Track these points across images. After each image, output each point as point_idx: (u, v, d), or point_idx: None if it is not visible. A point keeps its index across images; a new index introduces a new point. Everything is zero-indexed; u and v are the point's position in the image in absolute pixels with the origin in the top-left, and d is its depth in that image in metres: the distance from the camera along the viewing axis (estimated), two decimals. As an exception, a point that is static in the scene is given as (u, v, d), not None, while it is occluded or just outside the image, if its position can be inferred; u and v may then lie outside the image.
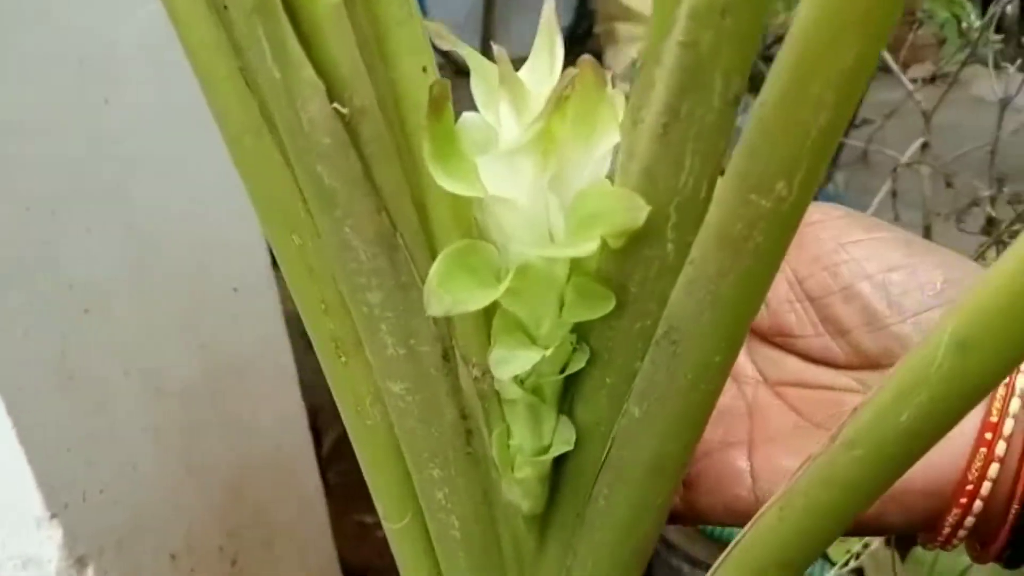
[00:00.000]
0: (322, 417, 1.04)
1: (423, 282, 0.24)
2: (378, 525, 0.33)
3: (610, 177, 0.23)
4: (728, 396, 0.36)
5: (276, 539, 0.75)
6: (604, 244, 0.22)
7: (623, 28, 2.93)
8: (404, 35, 0.21)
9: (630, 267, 0.23)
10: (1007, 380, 0.29)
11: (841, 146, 1.28)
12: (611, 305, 0.23)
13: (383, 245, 0.23)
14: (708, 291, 0.22)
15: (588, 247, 0.21)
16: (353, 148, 0.21)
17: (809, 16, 0.17)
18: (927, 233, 0.90)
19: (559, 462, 0.27)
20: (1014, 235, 0.77)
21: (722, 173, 0.21)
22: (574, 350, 0.25)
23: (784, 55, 0.18)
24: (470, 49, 0.24)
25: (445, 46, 0.24)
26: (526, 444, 0.27)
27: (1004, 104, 0.78)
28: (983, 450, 0.29)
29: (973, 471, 0.29)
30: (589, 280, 0.23)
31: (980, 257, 0.72)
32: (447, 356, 0.26)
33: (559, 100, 0.20)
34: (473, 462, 0.28)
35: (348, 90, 0.21)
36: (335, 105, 0.20)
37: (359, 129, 0.21)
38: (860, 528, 0.31)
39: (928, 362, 0.19)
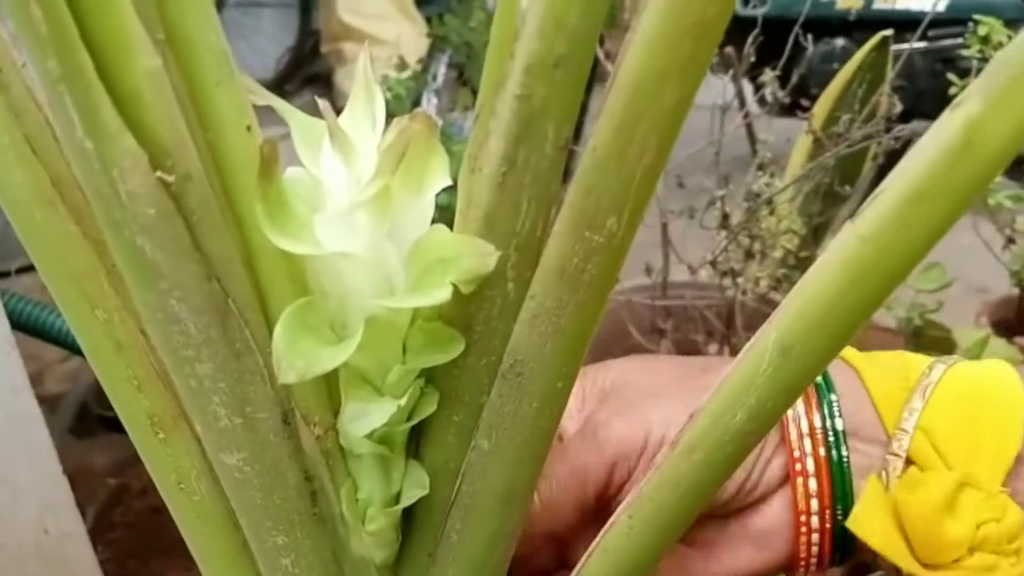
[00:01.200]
0: (80, 489, 0.95)
1: (258, 347, 0.23)
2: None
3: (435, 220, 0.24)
4: None
5: (52, 632, 0.67)
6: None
7: (349, 47, 2.93)
8: (223, 96, 0.20)
9: (474, 308, 0.23)
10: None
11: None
12: (461, 346, 0.23)
13: (214, 314, 0.22)
14: (550, 323, 0.23)
15: (441, 294, 0.21)
16: (179, 217, 0.20)
17: (633, 64, 0.19)
18: (664, 231, 0.99)
19: (408, 507, 0.27)
20: (746, 230, 0.87)
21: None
22: (422, 395, 0.25)
23: (611, 101, 0.20)
24: (287, 105, 0.23)
25: (260, 102, 0.23)
26: (376, 495, 0.26)
27: (724, 109, 0.88)
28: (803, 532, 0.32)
29: (801, 553, 0.33)
30: (435, 324, 0.23)
31: (723, 251, 0.81)
32: (287, 419, 0.25)
33: (398, 158, 0.20)
34: (319, 522, 0.27)
35: (171, 158, 0.19)
36: (159, 174, 0.19)
37: (185, 197, 0.20)
38: None
39: (756, 367, 0.22)
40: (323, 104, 0.21)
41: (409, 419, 0.25)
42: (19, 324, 0.77)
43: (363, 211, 0.21)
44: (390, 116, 0.22)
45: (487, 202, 0.22)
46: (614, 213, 0.21)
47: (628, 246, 0.22)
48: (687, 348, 1.09)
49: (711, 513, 0.33)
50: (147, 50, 0.18)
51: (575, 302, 0.23)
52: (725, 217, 0.81)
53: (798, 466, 0.32)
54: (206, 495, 0.28)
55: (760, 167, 0.89)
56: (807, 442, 0.32)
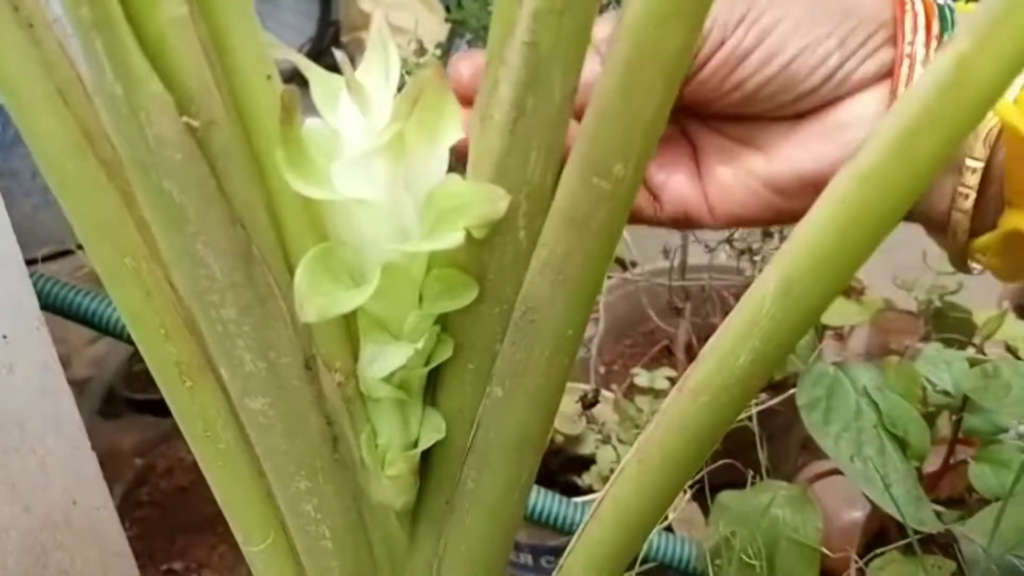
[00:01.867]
0: (108, 468, 0.97)
1: (281, 293, 0.24)
2: (187, 571, 0.32)
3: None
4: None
5: (82, 602, 0.69)
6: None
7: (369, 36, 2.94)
8: (245, 45, 0.21)
9: (487, 255, 0.24)
10: None
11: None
12: (474, 293, 0.24)
13: (239, 258, 0.23)
14: (560, 271, 0.24)
15: (454, 238, 0.22)
16: (205, 162, 0.21)
17: (636, 9, 0.20)
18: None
19: (426, 454, 0.28)
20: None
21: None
22: (437, 341, 0.26)
23: (618, 47, 0.20)
24: (305, 59, 0.24)
25: (279, 55, 0.24)
26: (395, 440, 0.27)
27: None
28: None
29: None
30: (450, 271, 0.24)
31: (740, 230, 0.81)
32: (309, 365, 0.26)
33: (411, 104, 0.21)
34: (341, 468, 0.28)
35: (196, 103, 0.20)
36: (186, 119, 0.20)
37: (210, 142, 0.21)
38: (793, 220, 0.31)
39: (758, 309, 0.22)
40: (340, 56, 0.22)
41: (426, 364, 0.26)
42: (49, 305, 0.79)
43: (379, 157, 0.22)
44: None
45: (498, 150, 0.22)
46: (620, 159, 0.22)
47: (635, 193, 0.23)
48: (706, 330, 1.09)
49: (778, 115, 0.33)
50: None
51: (583, 249, 0.24)
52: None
53: (906, 57, 0.31)
54: (231, 443, 0.29)
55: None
56: (920, 35, 0.31)
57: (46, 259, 1.63)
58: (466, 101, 0.32)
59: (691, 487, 0.74)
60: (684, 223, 0.36)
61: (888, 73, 0.32)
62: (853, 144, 0.30)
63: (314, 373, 0.26)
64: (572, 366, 0.27)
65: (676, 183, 0.36)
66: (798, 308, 0.22)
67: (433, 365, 0.26)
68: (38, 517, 0.63)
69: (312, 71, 0.24)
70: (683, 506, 0.73)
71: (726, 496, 0.71)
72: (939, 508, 0.67)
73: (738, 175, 0.34)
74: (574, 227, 0.23)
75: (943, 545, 0.63)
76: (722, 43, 0.32)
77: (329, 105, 0.24)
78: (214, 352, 0.26)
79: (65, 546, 0.66)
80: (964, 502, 0.71)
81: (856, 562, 0.65)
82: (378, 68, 0.24)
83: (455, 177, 0.23)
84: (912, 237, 0.35)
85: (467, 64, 0.32)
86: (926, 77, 0.19)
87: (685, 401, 0.25)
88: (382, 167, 0.22)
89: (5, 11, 0.22)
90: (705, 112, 0.36)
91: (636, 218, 0.37)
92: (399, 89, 0.23)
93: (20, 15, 0.22)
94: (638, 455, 0.26)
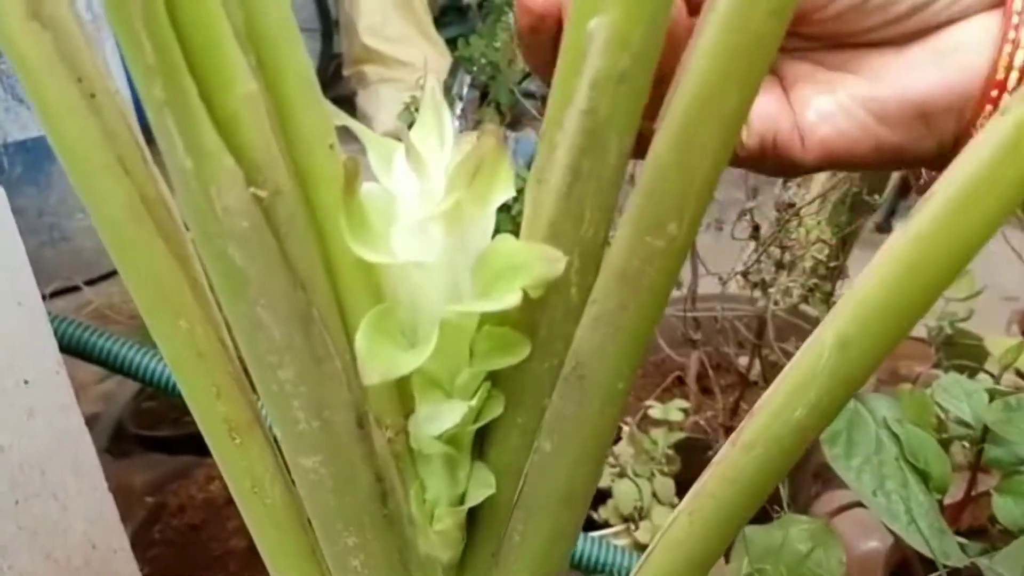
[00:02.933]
0: (119, 507, 0.97)
1: (337, 353, 0.25)
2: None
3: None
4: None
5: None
6: (512, 294, 0.24)
7: (371, 70, 2.98)
8: (309, 116, 0.22)
9: (539, 312, 0.24)
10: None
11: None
12: (527, 350, 0.24)
13: (298, 321, 0.23)
14: (611, 325, 0.24)
15: (511, 299, 0.22)
16: (269, 229, 0.21)
17: (695, 73, 0.20)
18: (692, 243, 0.99)
19: (473, 507, 0.28)
20: (777, 241, 0.87)
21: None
22: (488, 396, 0.26)
23: (674, 108, 0.21)
24: (362, 127, 0.25)
25: (338, 122, 0.24)
26: (443, 495, 0.28)
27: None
28: (1006, 52, 0.29)
29: (998, 74, 0.29)
30: (502, 329, 0.25)
31: (755, 263, 0.81)
32: (361, 422, 0.26)
33: (471, 174, 0.21)
34: (389, 523, 0.28)
35: (263, 174, 0.21)
36: (253, 190, 0.20)
37: (275, 210, 0.21)
38: (897, 160, 0.31)
39: (815, 363, 0.23)
40: (398, 125, 0.22)
41: (476, 420, 0.26)
42: (65, 346, 0.79)
43: (435, 224, 0.23)
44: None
45: (552, 211, 0.23)
46: (675, 218, 0.22)
47: (687, 249, 0.23)
48: (717, 360, 1.09)
49: (879, 39, 0.30)
50: (245, 76, 0.19)
51: (636, 304, 0.24)
52: (755, 228, 0.82)
53: None
54: (278, 498, 0.29)
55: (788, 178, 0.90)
56: None
57: (53, 295, 1.63)
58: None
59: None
60: (772, 154, 0.32)
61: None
62: (967, 68, 0.29)
63: (366, 431, 0.26)
64: (621, 417, 0.27)
65: (764, 109, 0.32)
66: (855, 363, 0.22)
67: (484, 422, 0.26)
68: (59, 563, 0.63)
69: (367, 136, 0.25)
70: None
71: (750, 531, 0.71)
72: (962, 540, 0.67)
73: (835, 99, 0.31)
74: (626, 283, 0.24)
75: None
76: None
77: (384, 168, 0.24)
78: (269, 411, 0.26)
79: (87, 592, 0.65)
80: (987, 533, 0.70)
81: (882, 597, 0.64)
82: (432, 133, 0.25)
83: (509, 237, 0.24)
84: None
85: None
86: (981, 143, 0.19)
87: (738, 454, 0.25)
88: (438, 232, 0.23)
89: (68, 82, 0.23)
90: (796, 44, 0.32)
91: None
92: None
93: (83, 86, 0.23)
94: (689, 507, 0.26)
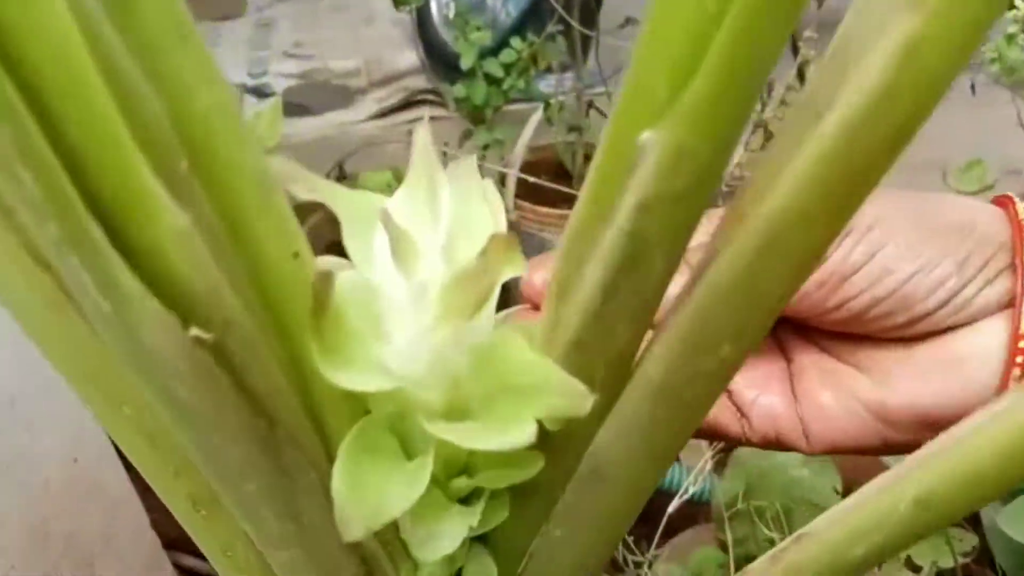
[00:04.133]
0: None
1: (313, 464, 0.21)
2: None
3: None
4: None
5: None
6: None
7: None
8: (265, 223, 0.16)
9: (555, 425, 0.20)
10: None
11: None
12: (539, 465, 0.20)
13: (259, 444, 0.19)
14: (641, 438, 0.21)
15: (524, 434, 0.18)
16: (218, 365, 0.17)
17: (778, 204, 0.15)
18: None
19: None
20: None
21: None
22: (491, 498, 0.22)
23: (745, 238, 0.16)
24: (332, 185, 0.20)
25: (303, 194, 0.19)
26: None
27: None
28: (1018, 361, 0.28)
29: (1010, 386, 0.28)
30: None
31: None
32: (343, 520, 0.22)
33: (476, 302, 0.17)
34: (376, 597, 0.26)
35: (206, 310, 0.16)
36: (194, 332, 0.16)
37: (225, 343, 0.17)
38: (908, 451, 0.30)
39: (889, 512, 0.19)
40: (383, 213, 0.17)
41: (479, 525, 0.22)
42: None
43: (433, 335, 0.18)
44: None
45: (578, 326, 0.18)
46: (731, 341, 0.18)
47: (740, 366, 0.19)
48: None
49: (887, 337, 0.30)
50: (169, 209, 0.14)
51: (671, 419, 0.20)
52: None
53: None
54: (254, 562, 0.26)
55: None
56: None
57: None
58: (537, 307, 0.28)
59: (713, 451, 0.73)
60: (775, 446, 0.32)
61: (1010, 303, 0.28)
62: (977, 381, 0.28)
63: (349, 527, 0.23)
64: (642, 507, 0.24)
65: (768, 403, 0.32)
66: (933, 520, 0.19)
67: (486, 529, 0.22)
68: (40, 488, 0.61)
69: (339, 201, 0.20)
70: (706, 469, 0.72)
71: (744, 453, 0.70)
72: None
73: (840, 398, 0.30)
74: (664, 398, 0.19)
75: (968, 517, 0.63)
76: (826, 255, 0.28)
77: (361, 244, 0.19)
78: (233, 510, 0.22)
79: None
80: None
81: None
82: (423, 200, 0.19)
83: (519, 344, 0.19)
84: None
85: (541, 274, 0.28)
86: None
87: (779, 574, 0.22)
88: (437, 342, 0.18)
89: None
90: (805, 326, 0.32)
91: (721, 436, 0.33)
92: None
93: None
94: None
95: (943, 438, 0.18)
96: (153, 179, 0.14)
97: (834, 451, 0.30)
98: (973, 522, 0.61)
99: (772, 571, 0.22)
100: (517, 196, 1.08)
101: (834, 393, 0.30)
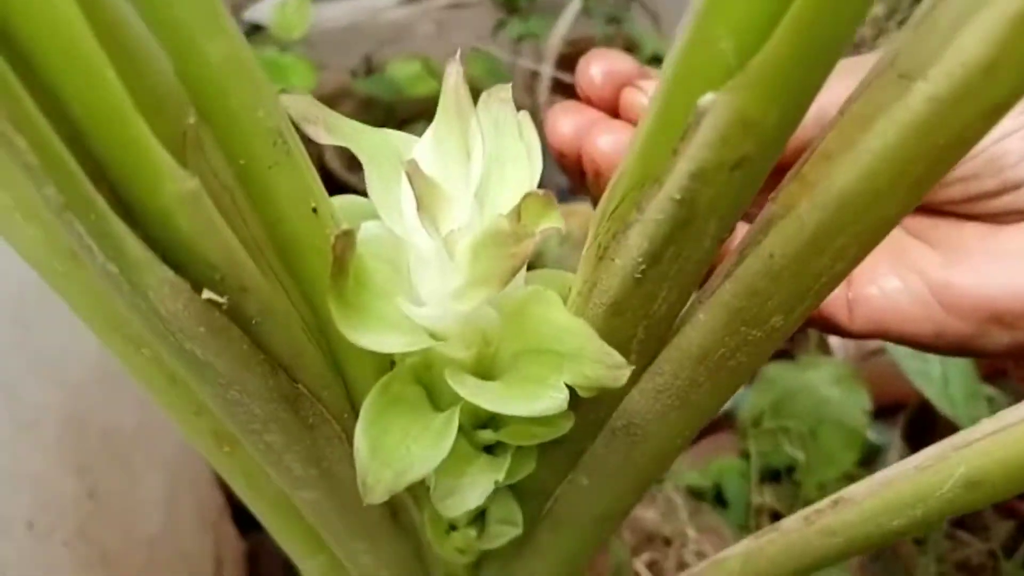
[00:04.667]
0: None
1: (335, 416, 0.20)
2: None
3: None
4: None
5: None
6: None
7: None
8: (280, 178, 0.15)
9: (587, 383, 0.19)
10: None
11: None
12: (569, 423, 0.20)
13: (281, 401, 0.18)
14: (678, 397, 0.20)
15: (555, 401, 0.17)
16: (235, 327, 0.16)
17: (849, 178, 0.14)
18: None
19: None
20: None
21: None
22: (517, 451, 0.21)
23: (808, 211, 0.14)
24: (358, 125, 0.18)
25: (322, 139, 0.17)
26: (461, 518, 0.24)
27: None
28: None
29: None
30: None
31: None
32: (367, 465, 0.22)
33: (511, 272, 0.15)
34: (400, 531, 0.26)
35: (219, 271, 0.15)
36: (207, 295, 0.15)
37: (242, 308, 0.16)
38: (959, 349, 0.26)
39: (934, 489, 0.18)
40: (410, 164, 0.16)
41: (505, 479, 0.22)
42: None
43: (460, 298, 0.17)
44: None
45: (617, 290, 0.17)
46: (782, 313, 0.17)
47: (792, 331, 0.18)
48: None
49: (970, 211, 0.25)
50: (174, 174, 0.13)
51: (712, 382, 0.19)
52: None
53: None
54: (279, 492, 0.26)
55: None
56: None
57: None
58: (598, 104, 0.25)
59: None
60: (815, 323, 0.28)
61: None
62: None
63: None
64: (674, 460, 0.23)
65: None
66: (977, 500, 0.18)
67: (512, 480, 0.22)
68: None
69: (365, 145, 0.18)
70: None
71: (773, 369, 0.69)
72: (990, 392, 0.65)
73: (902, 274, 0.25)
74: (705, 365, 0.18)
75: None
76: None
77: (387, 193, 0.18)
78: (258, 459, 0.22)
79: None
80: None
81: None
82: (453, 146, 0.18)
83: (555, 303, 0.18)
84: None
85: (569, 120, 0.25)
86: None
87: (812, 534, 0.21)
88: (463, 308, 0.17)
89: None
90: None
91: None
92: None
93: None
94: (748, 564, 0.23)
95: (998, 420, 0.17)
96: (156, 145, 0.12)
97: (877, 330, 0.26)
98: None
99: (806, 531, 0.21)
100: (552, 92, 1.04)
101: (895, 267, 0.26)
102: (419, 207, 0.17)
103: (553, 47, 0.96)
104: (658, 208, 0.15)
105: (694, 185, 0.14)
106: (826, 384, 0.66)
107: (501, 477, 0.20)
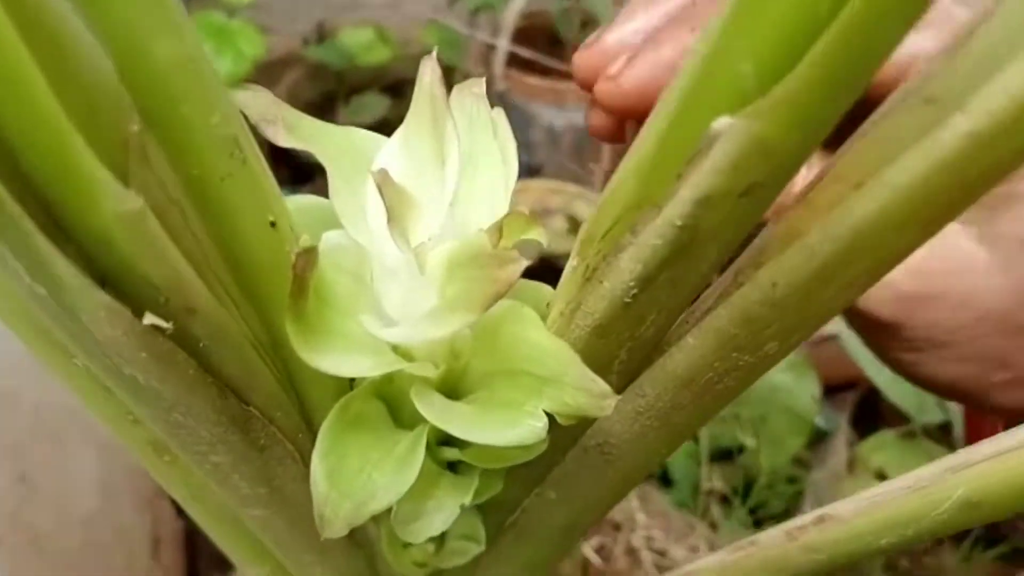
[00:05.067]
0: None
1: (288, 437, 0.19)
2: None
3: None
4: None
5: None
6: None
7: None
8: (234, 189, 0.13)
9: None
10: None
11: None
12: (541, 449, 0.18)
13: (229, 423, 0.17)
14: (658, 419, 0.19)
15: (531, 430, 0.16)
16: (181, 351, 0.14)
17: (867, 209, 0.12)
18: None
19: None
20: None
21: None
22: (483, 473, 0.20)
23: (824, 240, 0.13)
24: (322, 131, 0.16)
25: (280, 140, 0.16)
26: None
27: None
28: None
29: None
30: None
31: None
32: (322, 482, 0.21)
33: (489, 301, 0.14)
34: (353, 545, 0.24)
35: (163, 294, 0.13)
36: (149, 320, 0.13)
37: (189, 330, 0.14)
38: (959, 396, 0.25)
39: (929, 509, 0.17)
40: (380, 174, 0.14)
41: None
42: None
43: (431, 318, 0.15)
44: None
45: (604, 313, 0.16)
46: (778, 340, 0.16)
47: (785, 356, 0.17)
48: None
49: None
50: (113, 192, 0.11)
51: (696, 405, 0.18)
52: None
53: None
54: (224, 504, 0.25)
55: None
56: None
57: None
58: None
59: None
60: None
61: None
62: None
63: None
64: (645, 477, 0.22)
65: None
66: (973, 519, 0.17)
67: (478, 502, 0.20)
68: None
69: (323, 141, 0.16)
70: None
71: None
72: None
73: None
74: (691, 387, 0.17)
75: (942, 432, 0.63)
76: None
77: (350, 199, 0.16)
78: (204, 476, 0.20)
79: None
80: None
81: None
82: (425, 150, 0.16)
83: (536, 323, 0.17)
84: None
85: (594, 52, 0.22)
86: None
87: (794, 550, 0.20)
88: (436, 326, 0.16)
89: None
90: None
91: None
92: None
93: None
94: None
95: (996, 442, 0.16)
96: (92, 160, 0.11)
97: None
98: (947, 439, 0.62)
99: (788, 547, 0.21)
100: (507, 65, 1.02)
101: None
102: (389, 219, 0.15)
103: (510, 19, 0.94)
104: (656, 233, 0.13)
105: (698, 211, 0.13)
106: (778, 370, 0.67)
107: (468, 500, 0.19)
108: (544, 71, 1.05)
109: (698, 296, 0.17)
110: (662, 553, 0.55)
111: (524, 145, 1.06)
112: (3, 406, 0.63)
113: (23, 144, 0.10)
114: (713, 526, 0.63)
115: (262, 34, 0.85)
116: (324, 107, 1.12)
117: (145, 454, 0.23)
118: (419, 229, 0.16)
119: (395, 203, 0.15)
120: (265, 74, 1.07)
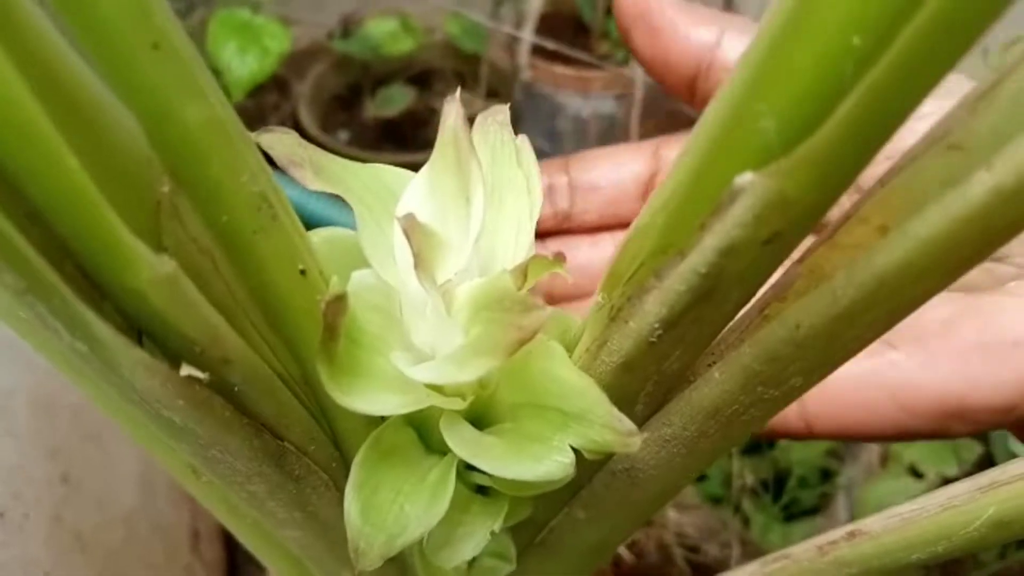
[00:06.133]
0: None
1: (322, 466, 0.19)
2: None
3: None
4: None
5: None
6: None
7: None
8: (266, 243, 0.14)
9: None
10: None
11: None
12: (569, 477, 0.19)
13: (265, 458, 0.17)
14: (685, 446, 0.19)
15: (559, 465, 0.16)
16: (218, 396, 0.15)
17: (889, 259, 0.12)
18: None
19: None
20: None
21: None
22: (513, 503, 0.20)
23: (847, 287, 0.13)
24: (349, 170, 0.17)
25: (308, 183, 0.16)
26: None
27: None
28: None
29: None
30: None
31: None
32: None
33: (510, 351, 0.14)
34: (389, 561, 0.25)
35: (199, 345, 0.13)
36: (188, 372, 0.13)
37: (225, 378, 0.14)
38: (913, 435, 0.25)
39: (960, 527, 0.17)
40: (404, 218, 0.15)
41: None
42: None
43: (459, 356, 0.16)
44: None
45: (630, 351, 0.16)
46: (802, 375, 0.16)
47: (809, 388, 0.17)
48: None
49: None
50: (146, 258, 0.11)
51: (722, 433, 0.18)
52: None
53: None
54: (259, 520, 0.25)
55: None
56: None
57: None
58: None
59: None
60: (768, 436, 0.26)
61: None
62: None
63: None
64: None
65: None
66: (1006, 538, 0.17)
67: (509, 524, 0.21)
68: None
69: (350, 180, 0.17)
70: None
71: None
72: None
73: (862, 370, 0.23)
74: (717, 418, 0.17)
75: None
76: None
77: (378, 238, 0.17)
78: (241, 504, 0.21)
79: None
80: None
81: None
82: (450, 189, 0.16)
83: (563, 358, 0.17)
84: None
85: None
86: None
87: (825, 564, 0.21)
88: (464, 363, 0.16)
89: None
90: None
91: None
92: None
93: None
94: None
95: (1017, 472, 0.16)
96: (124, 231, 0.11)
97: (841, 435, 0.25)
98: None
99: (819, 561, 0.21)
100: (532, 55, 1.01)
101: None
102: (416, 263, 0.15)
103: (534, 10, 0.94)
104: (680, 279, 0.13)
105: (722, 260, 0.13)
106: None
107: (498, 526, 0.19)
108: (568, 60, 1.04)
109: (723, 328, 0.17)
110: (694, 549, 0.55)
111: (550, 134, 1.05)
112: (42, 412, 0.64)
113: (56, 217, 0.11)
114: (745, 521, 0.63)
115: (287, 27, 0.86)
116: (350, 100, 1.12)
117: (184, 475, 0.23)
118: (445, 267, 0.16)
119: (422, 247, 0.15)
120: (291, 67, 1.08)
